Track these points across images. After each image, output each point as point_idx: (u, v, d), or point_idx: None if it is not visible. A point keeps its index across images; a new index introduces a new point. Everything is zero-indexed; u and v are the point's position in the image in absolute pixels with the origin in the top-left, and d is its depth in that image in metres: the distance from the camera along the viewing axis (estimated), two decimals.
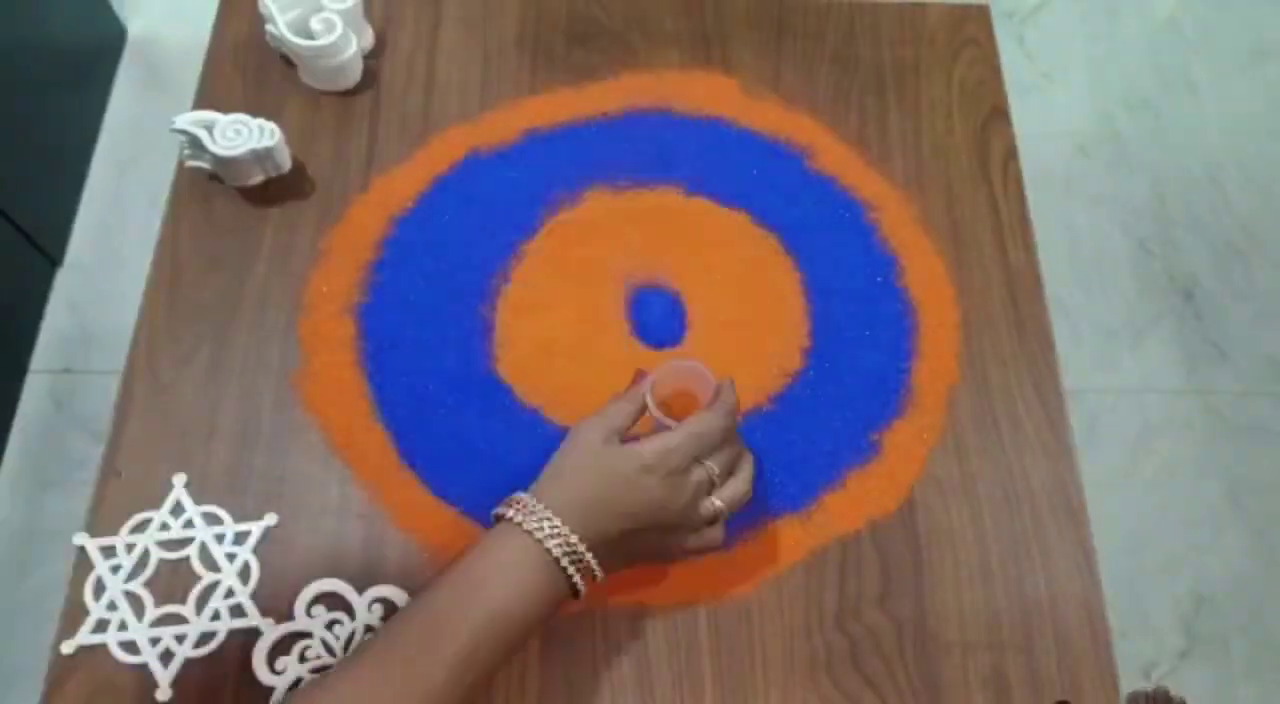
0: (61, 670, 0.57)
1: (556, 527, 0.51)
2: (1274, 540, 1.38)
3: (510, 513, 0.52)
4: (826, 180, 0.76)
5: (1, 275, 1.34)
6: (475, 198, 0.74)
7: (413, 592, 0.60)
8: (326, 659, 0.58)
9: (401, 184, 0.74)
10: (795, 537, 0.63)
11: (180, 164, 0.73)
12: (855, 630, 0.61)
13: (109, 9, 1.60)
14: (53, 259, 1.44)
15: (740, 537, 0.63)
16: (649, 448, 0.53)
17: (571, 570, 0.51)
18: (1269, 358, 1.51)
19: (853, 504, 0.65)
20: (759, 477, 0.65)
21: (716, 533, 0.57)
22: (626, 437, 0.56)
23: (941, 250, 0.74)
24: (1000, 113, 0.80)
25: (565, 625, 0.60)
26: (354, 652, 0.49)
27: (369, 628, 0.59)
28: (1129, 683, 0.61)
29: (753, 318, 0.70)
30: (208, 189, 0.73)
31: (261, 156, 0.69)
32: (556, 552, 0.50)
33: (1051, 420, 0.68)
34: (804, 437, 0.66)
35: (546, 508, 0.51)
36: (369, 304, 0.69)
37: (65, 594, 0.59)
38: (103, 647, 0.58)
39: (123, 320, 0.69)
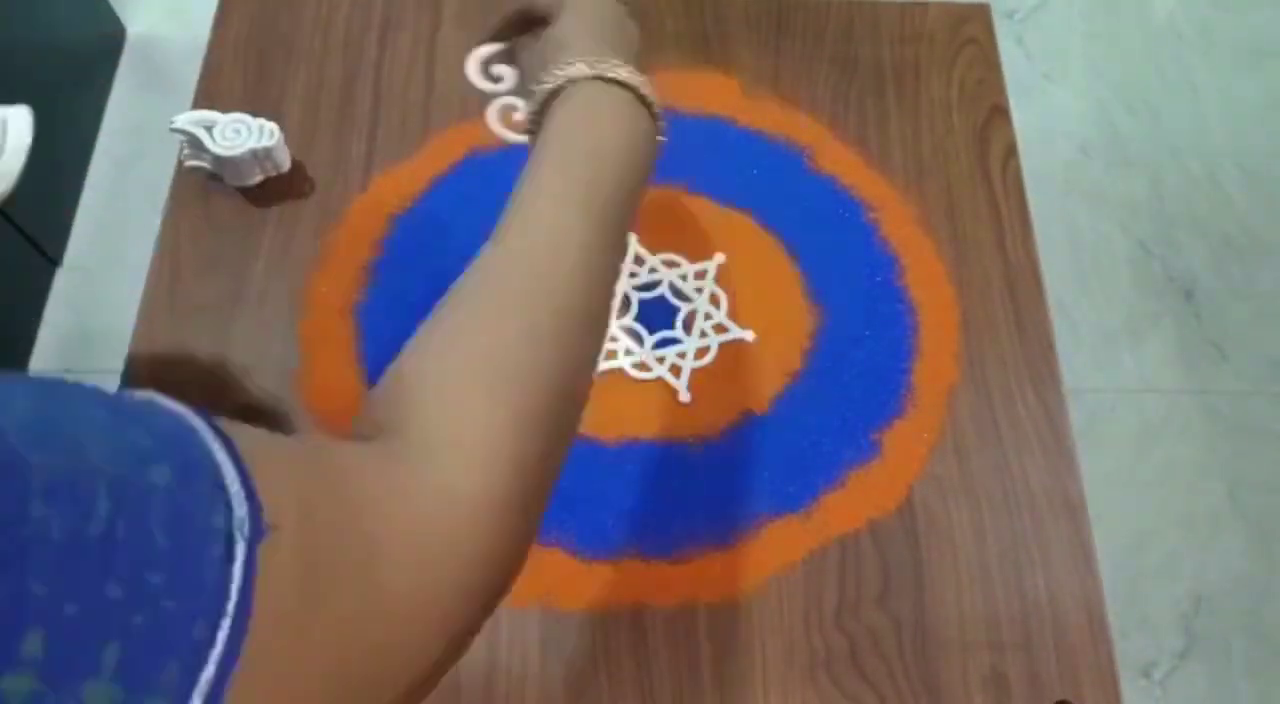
0: None
1: (616, 64, 0.48)
2: (1274, 540, 1.38)
3: (571, 71, 0.48)
4: (826, 180, 0.76)
5: (1, 275, 1.34)
6: (475, 198, 0.74)
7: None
8: None
9: (401, 184, 0.74)
10: (795, 536, 0.63)
11: (180, 164, 0.73)
12: (855, 630, 0.61)
13: (109, 9, 1.60)
14: (53, 259, 1.44)
15: (740, 537, 0.63)
16: None
17: (648, 98, 0.49)
18: (1269, 358, 1.51)
19: (853, 504, 0.65)
20: (758, 475, 0.65)
21: None
22: None
23: (941, 250, 0.74)
24: (1000, 112, 0.80)
25: (565, 625, 0.60)
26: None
27: None
28: (1129, 683, 0.61)
29: (753, 318, 0.70)
30: (208, 189, 0.73)
31: (261, 156, 0.69)
32: (630, 80, 0.48)
33: (1051, 420, 0.68)
34: (804, 436, 0.66)
35: (591, 56, 0.48)
36: (369, 304, 0.69)
37: None
38: None
39: (123, 320, 0.69)
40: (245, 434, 0.27)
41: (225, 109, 0.70)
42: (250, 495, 0.24)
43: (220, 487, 0.24)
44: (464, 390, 0.36)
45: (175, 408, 0.26)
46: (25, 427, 0.21)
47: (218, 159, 0.69)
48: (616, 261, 0.46)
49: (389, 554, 0.29)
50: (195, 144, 0.69)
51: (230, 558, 0.23)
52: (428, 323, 0.42)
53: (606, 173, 0.46)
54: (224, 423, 0.26)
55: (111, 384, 0.65)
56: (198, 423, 0.25)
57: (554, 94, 0.49)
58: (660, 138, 0.50)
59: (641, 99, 0.48)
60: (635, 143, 0.48)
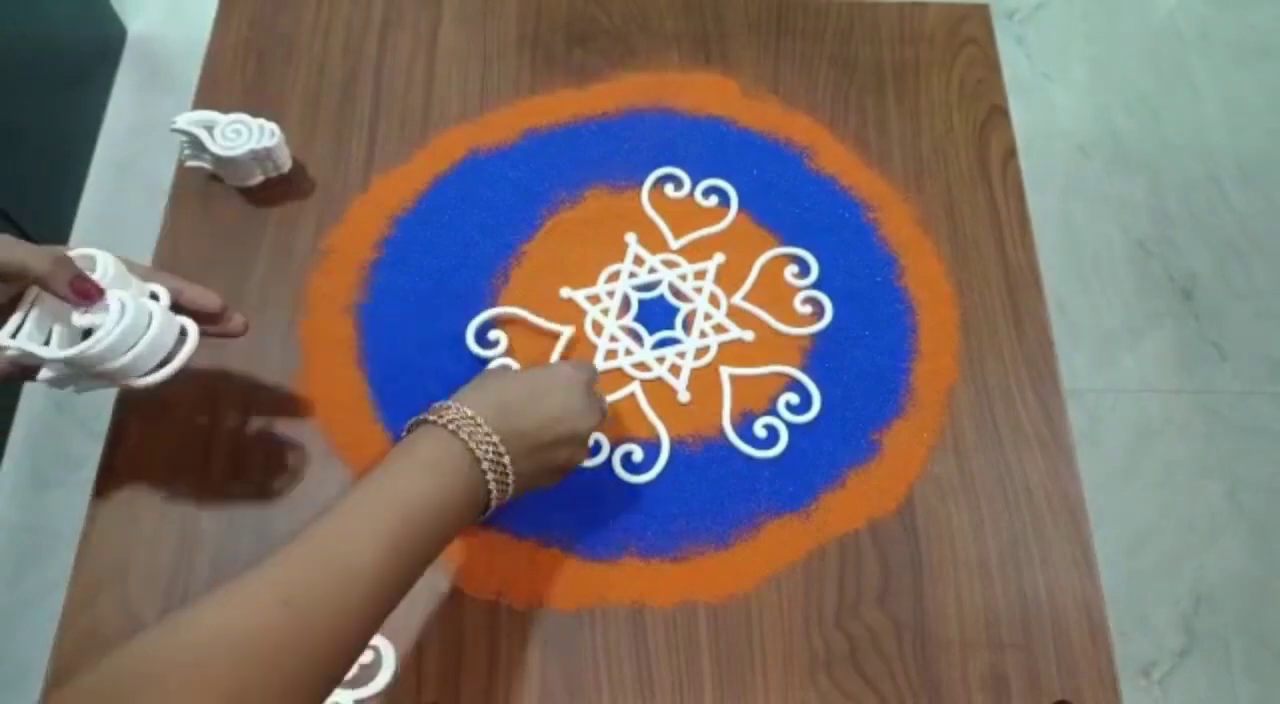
0: (61, 671, 0.57)
1: (478, 425, 0.51)
2: (1274, 540, 1.38)
3: (429, 416, 0.51)
4: (826, 180, 0.76)
5: None
6: (475, 198, 0.74)
7: (411, 591, 0.60)
8: None
9: (401, 184, 0.74)
10: (795, 536, 0.63)
11: (180, 164, 0.73)
12: (855, 630, 0.61)
13: (109, 9, 1.60)
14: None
15: (740, 537, 0.63)
16: (571, 361, 0.58)
17: (489, 473, 0.50)
18: (1269, 358, 1.51)
19: (853, 504, 0.65)
20: (758, 475, 0.65)
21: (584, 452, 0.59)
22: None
23: (941, 250, 0.74)
24: (1000, 112, 0.80)
25: (565, 625, 0.60)
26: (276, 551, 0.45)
27: None
28: (1129, 683, 0.61)
29: (753, 318, 0.70)
30: (208, 189, 0.73)
31: (261, 156, 0.69)
32: (478, 450, 0.50)
33: (1051, 420, 0.68)
34: (804, 436, 0.66)
35: (467, 408, 0.51)
36: (369, 304, 0.69)
37: None
38: (104, 644, 0.58)
39: None
40: None
41: (225, 109, 0.70)
42: None
43: None
44: None
45: None
46: None
47: (218, 159, 0.69)
48: (395, 591, 0.47)
49: None
50: (196, 144, 0.69)
51: None
52: (182, 624, 0.40)
53: (420, 518, 0.47)
54: None
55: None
56: None
57: (418, 423, 0.52)
58: (488, 509, 0.52)
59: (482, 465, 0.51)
60: (458, 502, 0.50)
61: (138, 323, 0.51)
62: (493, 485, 0.51)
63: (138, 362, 0.51)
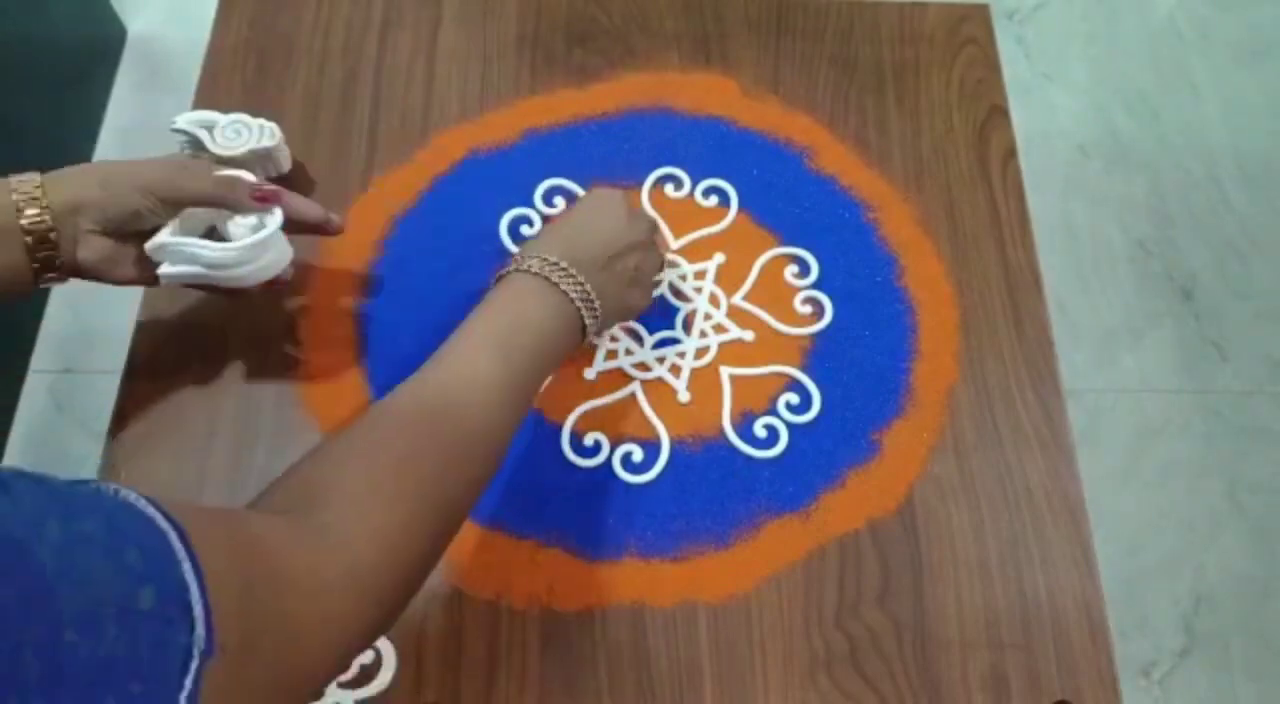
0: None
1: (546, 259, 0.57)
2: (1274, 540, 1.38)
3: (508, 269, 0.57)
4: (826, 180, 0.76)
5: None
6: (475, 198, 0.74)
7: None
8: None
9: (401, 184, 0.74)
10: (795, 536, 0.63)
11: None
12: (855, 630, 0.61)
13: (109, 9, 1.60)
14: None
15: (740, 537, 0.63)
16: (605, 187, 0.64)
17: (571, 292, 0.56)
18: (1269, 358, 1.51)
19: (853, 504, 0.65)
20: (758, 475, 0.65)
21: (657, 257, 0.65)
22: None
23: (941, 250, 0.74)
24: (1000, 112, 0.80)
25: (565, 625, 0.60)
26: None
27: None
28: (1129, 683, 0.61)
29: (752, 318, 0.70)
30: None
31: (262, 156, 0.69)
32: (554, 276, 0.56)
33: (1051, 420, 0.68)
34: (804, 436, 0.66)
35: (535, 252, 0.57)
36: (369, 304, 0.69)
37: None
38: None
39: (123, 320, 0.69)
40: (194, 521, 0.32)
41: (225, 109, 0.70)
42: (208, 614, 0.30)
43: (187, 607, 0.30)
44: (367, 499, 0.44)
45: (147, 510, 0.31)
46: (55, 554, 0.26)
47: (218, 160, 0.69)
48: (521, 411, 0.54)
49: (305, 627, 0.38)
50: (195, 144, 0.69)
51: (186, 669, 0.29)
52: (345, 432, 0.48)
53: (525, 338, 0.54)
54: (177, 509, 0.32)
55: (111, 384, 0.65)
56: (166, 527, 0.31)
57: (503, 277, 0.58)
58: (586, 333, 0.59)
59: (572, 300, 0.57)
60: (554, 327, 0.56)
61: (277, 235, 0.60)
62: (580, 304, 0.57)
63: (264, 269, 0.59)
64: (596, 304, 0.58)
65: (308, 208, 0.62)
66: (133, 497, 0.31)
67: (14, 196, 0.53)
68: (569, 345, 0.58)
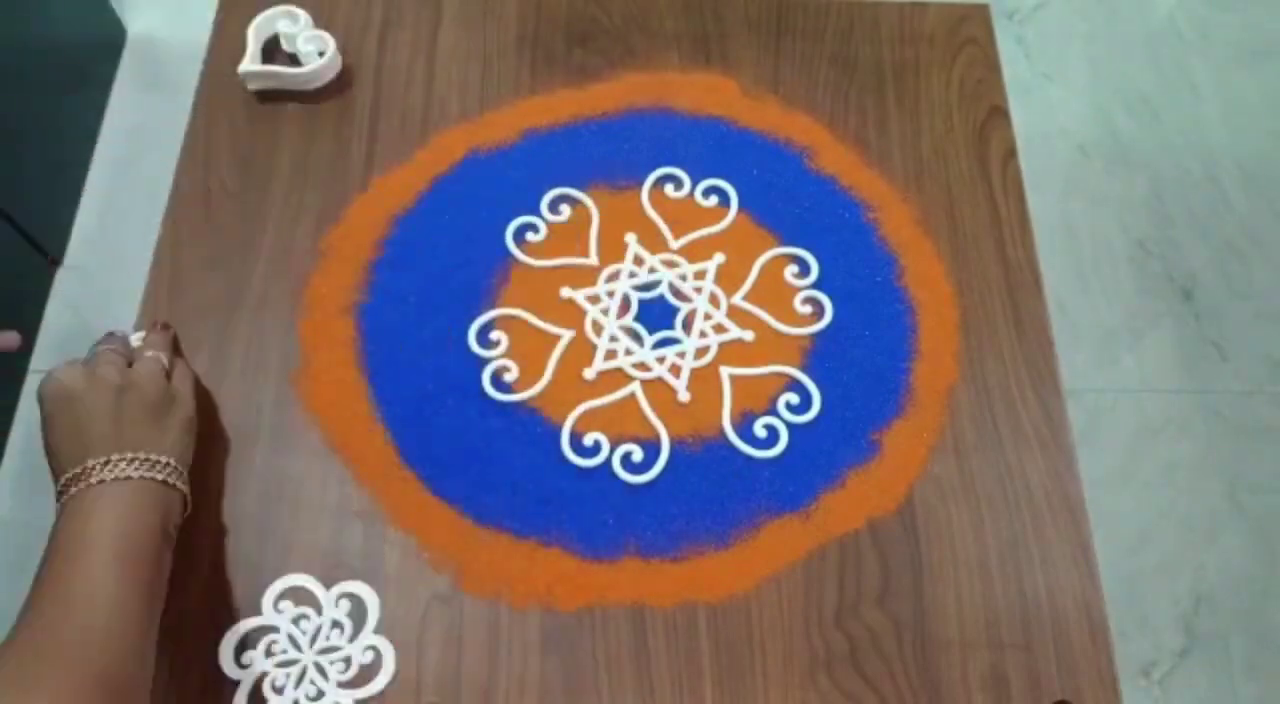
0: None
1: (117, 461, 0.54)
2: (1274, 540, 1.38)
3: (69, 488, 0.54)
4: (826, 180, 0.76)
5: (1, 275, 1.34)
6: (475, 198, 0.74)
7: (410, 591, 0.60)
8: (292, 654, 0.58)
9: (401, 184, 0.74)
10: (795, 536, 0.63)
11: (181, 162, 0.73)
12: (855, 630, 0.61)
13: (109, 9, 1.60)
14: (53, 259, 1.44)
15: (740, 537, 0.63)
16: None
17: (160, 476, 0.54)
18: (1269, 358, 1.51)
19: (853, 504, 0.65)
20: (758, 475, 0.65)
21: None
22: None
23: (941, 250, 0.74)
24: (1000, 112, 0.80)
25: (565, 625, 0.60)
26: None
27: (335, 623, 0.59)
28: (1129, 683, 0.61)
29: (752, 318, 0.70)
30: (207, 190, 0.73)
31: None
32: (138, 473, 0.54)
33: (1051, 420, 0.68)
34: (804, 437, 0.66)
35: (81, 464, 0.54)
36: (369, 304, 0.69)
37: None
38: None
39: (123, 320, 0.69)
40: None
41: (226, 113, 0.70)
42: None
43: None
44: None
45: None
46: None
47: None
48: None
49: None
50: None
51: None
52: None
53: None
54: None
55: None
56: None
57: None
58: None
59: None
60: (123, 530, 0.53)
61: None
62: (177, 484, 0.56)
63: None
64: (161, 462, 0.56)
65: None
66: None
67: None
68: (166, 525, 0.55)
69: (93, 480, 0.53)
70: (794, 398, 0.68)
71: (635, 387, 0.67)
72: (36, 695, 0.45)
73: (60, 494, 0.54)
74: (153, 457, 0.55)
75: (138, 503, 0.53)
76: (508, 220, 0.73)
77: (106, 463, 0.53)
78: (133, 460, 0.54)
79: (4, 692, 0.45)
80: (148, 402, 0.57)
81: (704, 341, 0.69)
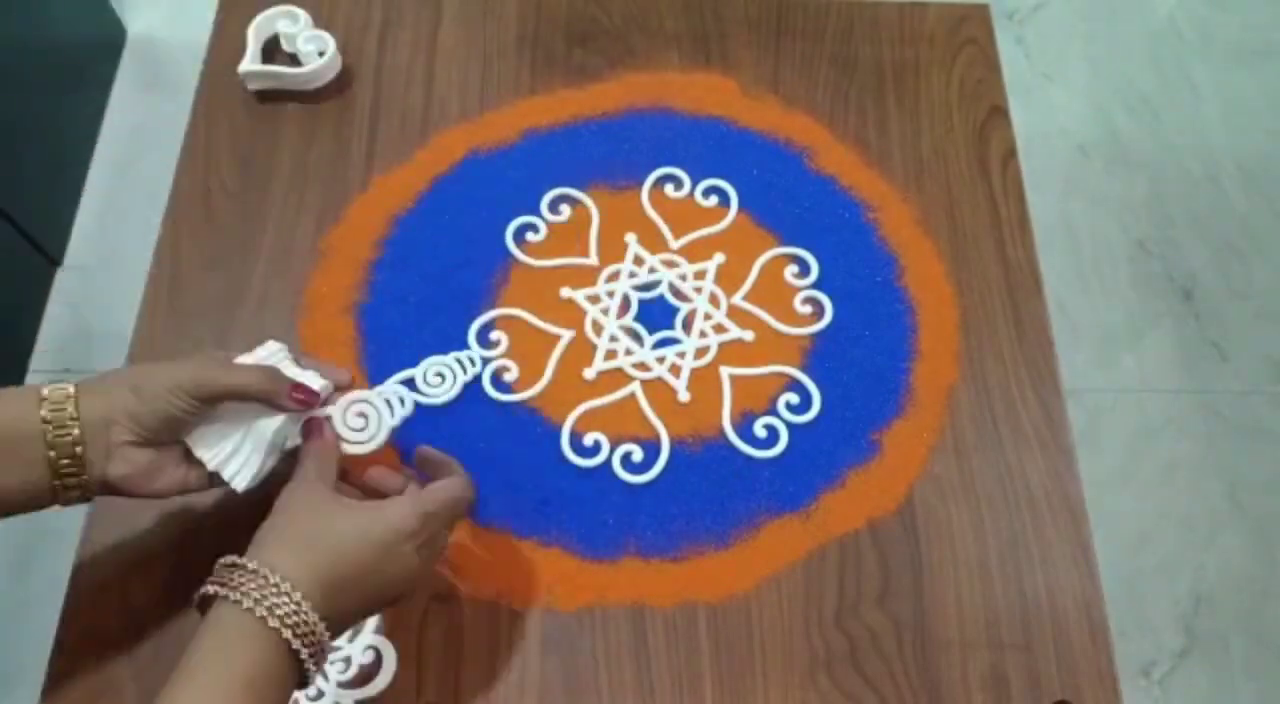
0: (60, 671, 0.57)
1: (300, 610, 0.44)
2: (1274, 540, 1.38)
3: (229, 592, 0.44)
4: (826, 180, 0.76)
5: (1, 275, 1.34)
6: (475, 198, 0.74)
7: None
8: None
9: (401, 184, 0.74)
10: (795, 536, 0.63)
11: (181, 162, 0.73)
12: (855, 630, 0.61)
13: (109, 9, 1.60)
14: (53, 259, 1.44)
15: (740, 537, 0.63)
16: (407, 513, 0.50)
17: (309, 662, 0.45)
18: (1269, 358, 1.51)
19: (853, 504, 0.65)
20: (758, 475, 0.65)
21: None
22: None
23: (941, 250, 0.74)
24: (1000, 112, 0.80)
25: (565, 625, 0.60)
26: None
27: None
28: (1129, 683, 0.61)
29: (752, 318, 0.70)
30: (207, 190, 0.73)
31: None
32: (289, 635, 0.44)
33: (1051, 420, 0.68)
34: (804, 436, 0.66)
35: (287, 583, 0.45)
36: (369, 304, 0.69)
37: None
38: (104, 644, 0.58)
39: (123, 320, 0.69)
40: None
41: (226, 114, 0.70)
42: None
43: None
44: None
45: None
46: None
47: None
48: None
49: None
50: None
51: None
52: None
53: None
54: None
55: None
56: None
57: (219, 597, 0.45)
58: (309, 680, 0.46)
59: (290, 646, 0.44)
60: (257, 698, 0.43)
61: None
62: (311, 667, 0.45)
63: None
64: (326, 656, 0.47)
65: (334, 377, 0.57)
66: None
67: (43, 410, 0.48)
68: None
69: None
70: (794, 398, 0.68)
71: (635, 387, 0.67)
72: None
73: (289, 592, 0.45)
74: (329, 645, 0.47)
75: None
76: (508, 220, 0.73)
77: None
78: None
79: None
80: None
81: (704, 342, 0.69)
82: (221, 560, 0.47)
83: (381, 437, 0.58)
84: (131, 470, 0.51)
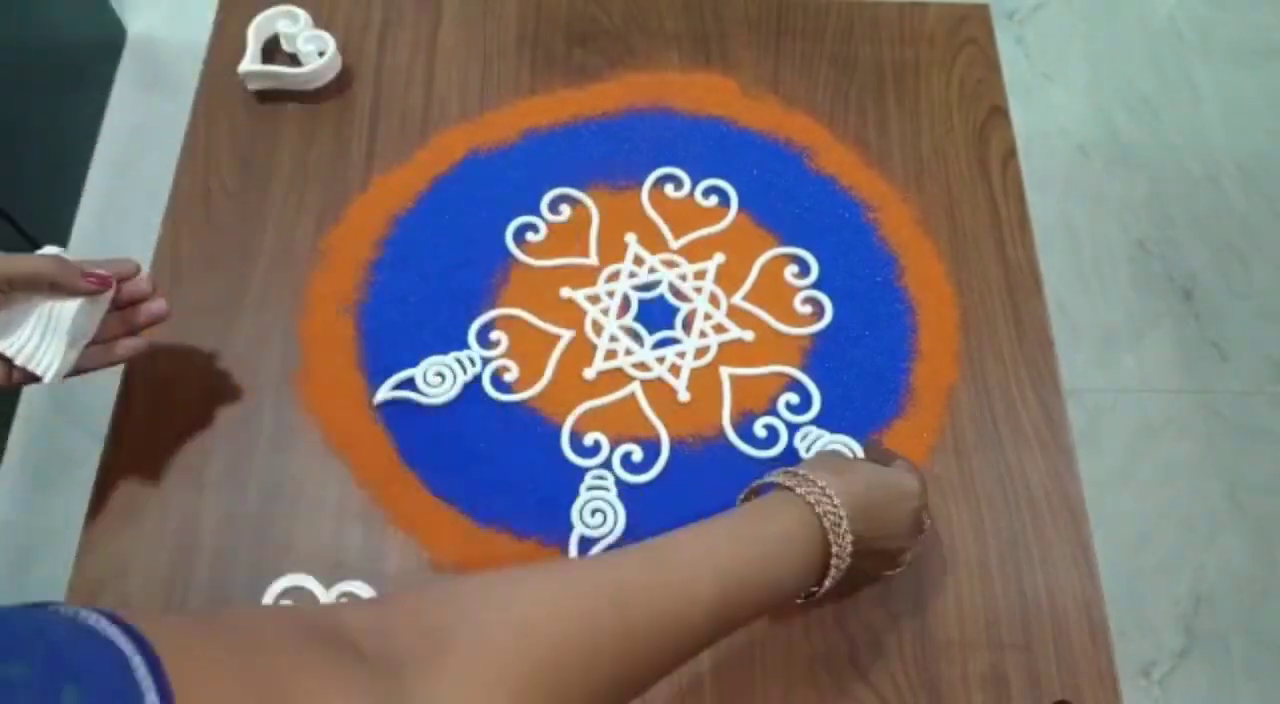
0: None
1: (840, 519, 0.50)
2: (1274, 540, 1.38)
3: (799, 485, 0.51)
4: (826, 180, 0.76)
5: None
6: (475, 198, 0.74)
7: (408, 588, 0.60)
8: None
9: (401, 184, 0.74)
10: None
11: (181, 162, 0.73)
12: (855, 630, 0.61)
13: (109, 9, 1.60)
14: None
15: None
16: (917, 480, 0.56)
17: (834, 568, 0.50)
18: (1269, 358, 1.51)
19: None
20: (759, 475, 0.65)
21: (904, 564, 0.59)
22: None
23: (941, 250, 0.74)
24: (1000, 112, 0.80)
25: None
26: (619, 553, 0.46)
27: None
28: (1129, 682, 0.61)
29: (752, 318, 0.70)
30: (207, 190, 0.73)
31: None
32: (835, 545, 0.50)
33: (1051, 420, 0.68)
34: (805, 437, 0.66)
35: (837, 497, 0.50)
36: (369, 304, 0.69)
37: None
38: None
39: None
40: (180, 639, 0.26)
41: (227, 115, 0.70)
42: None
43: None
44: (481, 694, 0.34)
45: (107, 631, 0.25)
46: None
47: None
48: (713, 637, 0.46)
49: None
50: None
51: None
52: (528, 586, 0.40)
53: (754, 569, 0.47)
54: (165, 627, 0.26)
55: (111, 385, 0.65)
56: (129, 651, 0.25)
57: (781, 484, 0.52)
58: (818, 594, 0.52)
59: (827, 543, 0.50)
60: (792, 578, 0.49)
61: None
62: (830, 579, 0.51)
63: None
64: (842, 567, 0.51)
65: (137, 287, 0.58)
66: (93, 619, 0.26)
67: None
68: (791, 597, 0.51)
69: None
70: (794, 398, 0.68)
71: (635, 387, 0.67)
72: None
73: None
74: None
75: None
76: (508, 220, 0.73)
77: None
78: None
79: None
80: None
81: (704, 342, 0.69)
82: (773, 474, 0.53)
83: (456, 390, 0.66)
84: None
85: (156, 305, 0.59)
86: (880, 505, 0.53)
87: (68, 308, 0.54)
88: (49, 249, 0.56)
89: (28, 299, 0.54)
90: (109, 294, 0.56)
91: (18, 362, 0.54)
